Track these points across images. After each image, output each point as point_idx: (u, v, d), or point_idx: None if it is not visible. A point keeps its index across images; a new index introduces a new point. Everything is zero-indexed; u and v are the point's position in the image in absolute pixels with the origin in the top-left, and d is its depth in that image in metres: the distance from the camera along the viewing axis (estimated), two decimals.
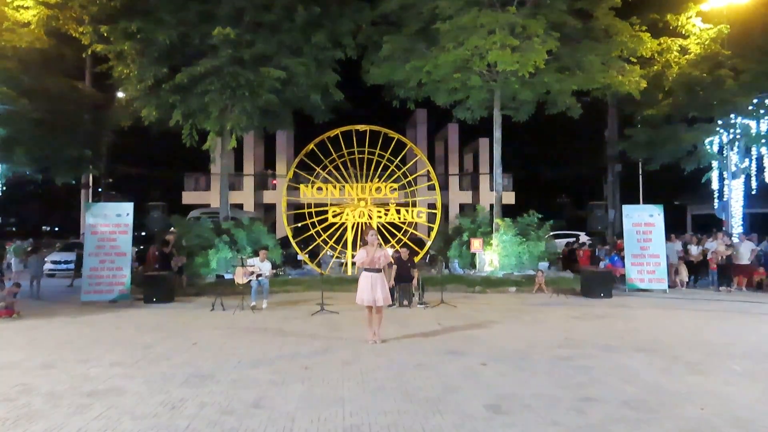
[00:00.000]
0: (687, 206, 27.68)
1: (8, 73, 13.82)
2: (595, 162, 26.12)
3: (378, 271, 7.35)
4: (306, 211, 15.82)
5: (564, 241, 20.47)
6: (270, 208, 28.71)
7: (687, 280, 14.27)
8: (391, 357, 6.60)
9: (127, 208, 12.20)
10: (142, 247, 16.86)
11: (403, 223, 15.96)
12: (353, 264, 13.84)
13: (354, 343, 7.41)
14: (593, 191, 27.89)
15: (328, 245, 16.01)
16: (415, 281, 10.91)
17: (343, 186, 15.78)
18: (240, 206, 25.53)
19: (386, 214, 15.55)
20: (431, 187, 16.99)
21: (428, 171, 17.42)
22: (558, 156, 34.78)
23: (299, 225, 17.68)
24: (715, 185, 19.40)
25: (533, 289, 13.05)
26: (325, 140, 16.01)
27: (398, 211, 15.64)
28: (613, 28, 14.63)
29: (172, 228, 15.11)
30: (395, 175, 16.48)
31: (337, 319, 9.37)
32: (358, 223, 15.34)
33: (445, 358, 6.52)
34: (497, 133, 15.95)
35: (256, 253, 12.17)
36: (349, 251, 15.15)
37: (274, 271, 11.14)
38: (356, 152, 15.99)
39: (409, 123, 30.27)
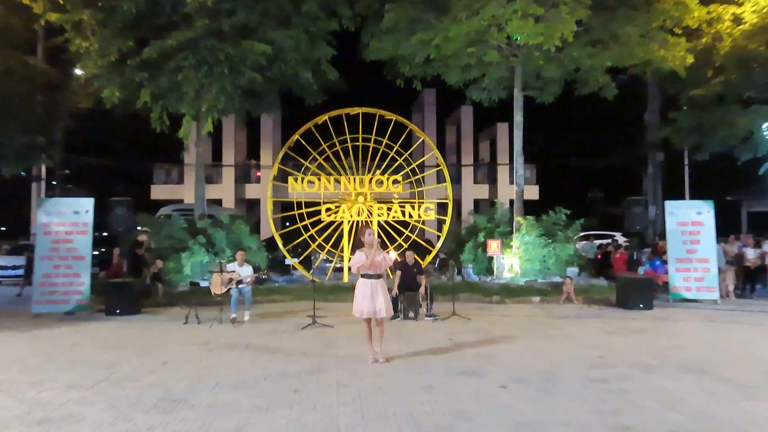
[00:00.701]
0: (742, 202, 27.60)
1: None
2: (633, 151, 26.05)
3: (378, 276, 7.32)
4: (298, 211, 15.79)
5: (597, 242, 20.43)
6: (253, 205, 28.70)
7: (739, 288, 14.21)
8: (395, 378, 6.58)
9: (86, 205, 12.18)
10: (103, 249, 16.87)
11: (409, 222, 15.95)
12: (349, 269, 13.85)
13: (351, 361, 7.40)
14: (631, 185, 27.80)
15: (324, 248, 15.99)
16: (422, 289, 10.90)
17: (339, 179, 15.77)
18: (218, 202, 25.55)
19: (389, 212, 15.55)
20: (441, 180, 16.96)
21: (437, 161, 17.39)
22: (589, 144, 34.68)
23: (288, 224, 17.69)
24: None
25: (560, 299, 13.04)
26: (318, 125, 15.99)
27: (403, 208, 15.63)
28: None
29: (140, 227, 15.11)
30: (399, 167, 16.45)
31: (332, 334, 9.35)
32: (356, 222, 15.33)
33: (457, 380, 6.51)
34: (518, 117, 15.92)
35: None
36: (346, 254, 15.15)
37: (256, 275, 11.13)
38: (354, 139, 15.98)
39: (415, 105, 30.25)
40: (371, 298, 7.22)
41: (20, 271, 16.56)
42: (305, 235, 15.73)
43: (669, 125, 19.15)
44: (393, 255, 7.90)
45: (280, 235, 16.11)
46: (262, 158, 27.63)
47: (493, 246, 15.07)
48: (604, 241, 19.87)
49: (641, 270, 14.90)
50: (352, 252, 8.10)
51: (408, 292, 10.84)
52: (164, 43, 13.94)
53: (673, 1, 14.63)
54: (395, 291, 10.53)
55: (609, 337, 9.24)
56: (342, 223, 15.53)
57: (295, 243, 16.42)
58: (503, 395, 5.96)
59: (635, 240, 16.46)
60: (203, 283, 13.50)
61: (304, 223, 15.70)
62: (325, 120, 15.88)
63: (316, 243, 15.86)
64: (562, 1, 13.40)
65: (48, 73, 17.15)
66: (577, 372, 6.88)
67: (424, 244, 16.88)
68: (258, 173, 28.20)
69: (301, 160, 16.51)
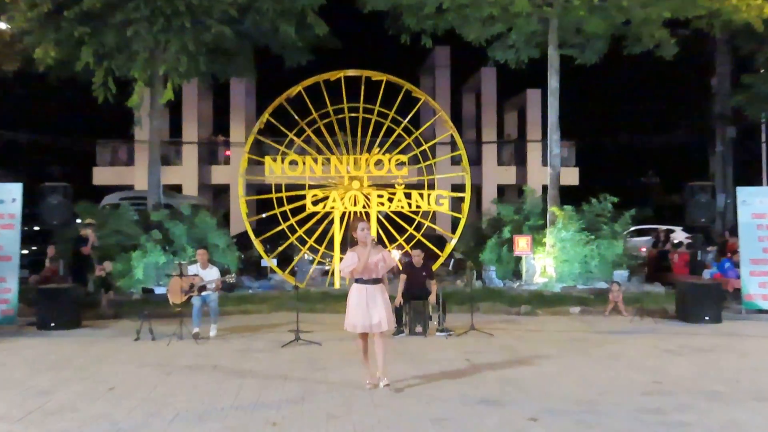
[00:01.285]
0: None
1: None
2: (697, 124, 25.99)
3: (376, 281, 7.29)
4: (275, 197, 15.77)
5: (651, 239, 20.41)
6: (221, 192, 28.67)
7: None
8: (398, 408, 6.58)
9: (12, 192, 12.15)
10: (35, 248, 16.88)
11: (416, 214, 15.92)
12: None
13: (344, 387, 7.39)
14: (694, 167, 27.78)
15: (307, 246, 16.00)
16: (432, 298, 10.88)
17: (328, 159, 15.73)
18: (178, 188, 25.53)
19: (391, 201, 15.51)
20: (457, 161, 16.91)
21: (452, 137, 17.36)
22: (642, 116, 34.61)
23: (264, 216, 17.68)
24: None
25: (606, 310, 13.03)
26: (303, 93, 15.93)
27: (408, 196, 15.60)
28: None
29: (81, 220, 15.11)
30: (404, 144, 16.41)
31: (320, 353, 9.36)
32: (349, 213, 15.31)
33: (476, 411, 6.51)
34: (554, 82, 15.86)
35: None
36: (336, 254, 15.14)
37: (223, 278, 11.12)
38: (348, 110, 15.92)
39: (424, 67, 30.15)
40: (366, 307, 7.19)
41: None
42: (291, 234, 15.72)
43: (742, 92, 19.07)
44: (396, 255, 7.88)
45: (256, 230, 16.09)
46: (232, 134, 27.58)
47: (522, 243, 15.04)
48: (661, 238, 19.81)
49: (707, 274, 14.88)
50: (346, 250, 8.09)
51: (415, 301, 10.81)
52: None
53: None
54: (399, 300, 10.51)
55: (666, 357, 9.23)
56: (333, 214, 15.49)
57: (279, 243, 16.40)
58: (534, 429, 5.95)
59: (699, 236, 16.45)
60: (159, 290, 13.50)
61: (288, 218, 15.69)
62: (312, 85, 15.82)
63: (304, 241, 15.86)
64: None
65: None
66: (626, 401, 6.87)
67: (440, 235, 16.87)
68: (227, 152, 28.14)
69: (287, 130, 16.44)
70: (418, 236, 15.71)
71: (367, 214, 15.20)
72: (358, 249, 7.31)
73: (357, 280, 7.34)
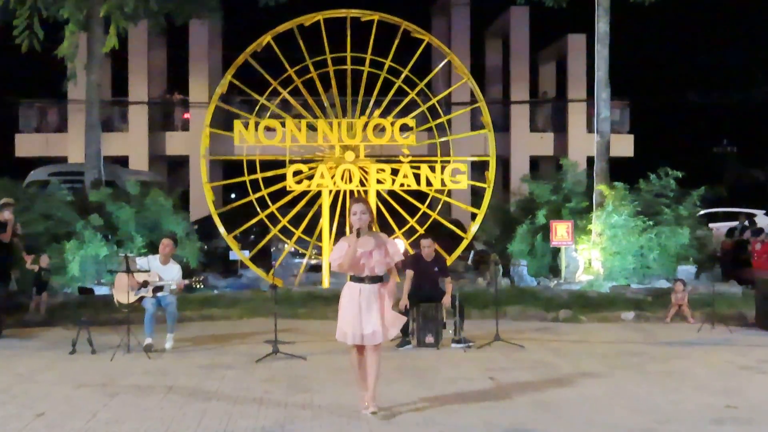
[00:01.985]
0: None
1: None
2: None
3: (374, 280, 7.24)
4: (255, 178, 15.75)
5: (725, 225, 20.41)
6: (178, 166, 28.63)
7: None
8: None
9: None
10: None
11: (427, 194, 15.89)
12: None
13: (334, 412, 7.40)
14: None
15: (292, 235, 16.00)
16: (447, 300, 10.89)
17: (314, 124, 15.69)
18: (123, 161, 25.48)
19: (394, 176, 15.47)
20: (478, 126, 16.86)
21: (472, 95, 17.29)
22: (715, 69, 34.54)
23: (234, 197, 17.66)
24: None
25: (667, 316, 13.05)
26: (282, 39, 15.86)
27: (417, 171, 15.56)
28: None
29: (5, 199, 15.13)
30: (412, 105, 16.37)
31: (304, 370, 9.37)
32: (342, 193, 15.29)
33: None
34: (602, 26, 15.80)
35: (153, 248, 12.14)
36: (326, 243, 15.14)
37: (187, 281, 11.10)
38: (340, 61, 15.86)
39: (436, 6, 30.03)
40: (358, 313, 7.13)
41: None
42: (268, 220, 15.72)
43: None
44: (401, 245, 7.85)
45: (222, 215, 16.08)
46: (192, 92, 27.51)
47: (561, 231, 15.03)
48: (738, 224, 19.82)
49: None
50: (337, 240, 8.05)
51: (424, 305, 10.81)
52: None
53: None
54: (405, 302, 10.50)
55: (744, 375, 9.23)
56: (320, 194, 15.48)
57: (246, 226, 16.41)
58: None
59: None
60: (100, 290, 13.50)
61: (263, 200, 15.68)
62: (294, 29, 15.75)
63: (284, 229, 15.86)
64: None
65: None
66: (692, 430, 6.88)
67: (457, 220, 16.86)
68: (186, 115, 28.06)
69: (262, 87, 16.41)
70: (429, 222, 15.74)
71: (365, 193, 15.19)
72: (351, 237, 7.25)
73: (351, 278, 7.31)
